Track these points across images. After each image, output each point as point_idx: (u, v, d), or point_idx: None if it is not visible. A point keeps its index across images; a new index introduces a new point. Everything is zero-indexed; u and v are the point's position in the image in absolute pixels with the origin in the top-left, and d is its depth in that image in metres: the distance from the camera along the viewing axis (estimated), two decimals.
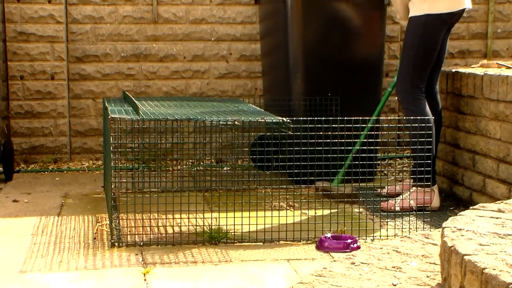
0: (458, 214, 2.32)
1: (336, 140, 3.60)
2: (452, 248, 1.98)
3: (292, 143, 3.95)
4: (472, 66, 4.79)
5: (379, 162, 5.38)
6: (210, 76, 5.73)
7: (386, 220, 3.97)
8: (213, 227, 3.64)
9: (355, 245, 3.46)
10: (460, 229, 2.12)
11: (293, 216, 3.99)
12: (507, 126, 3.85)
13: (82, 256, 3.37)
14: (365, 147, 3.82)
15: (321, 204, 4.01)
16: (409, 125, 3.92)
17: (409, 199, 4.14)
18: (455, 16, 4.17)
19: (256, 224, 3.63)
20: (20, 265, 3.24)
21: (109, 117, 3.52)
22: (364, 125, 4.02)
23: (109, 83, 5.62)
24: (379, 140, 5.03)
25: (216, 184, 4.73)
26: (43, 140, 5.57)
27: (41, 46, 5.50)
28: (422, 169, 3.84)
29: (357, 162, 4.10)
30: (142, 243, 3.53)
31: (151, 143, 5.14)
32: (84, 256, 3.37)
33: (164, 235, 3.65)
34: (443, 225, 2.19)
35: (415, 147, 3.83)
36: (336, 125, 3.61)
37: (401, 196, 4.22)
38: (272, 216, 3.58)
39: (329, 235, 3.52)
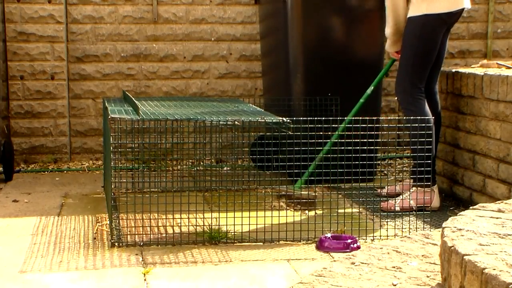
0: (458, 214, 2.32)
1: (336, 140, 3.60)
2: (452, 248, 1.98)
3: (292, 143, 3.95)
4: (472, 66, 4.79)
5: (379, 162, 5.39)
6: (210, 76, 5.73)
7: (386, 220, 3.97)
8: (213, 227, 3.64)
9: (355, 245, 3.46)
10: (460, 229, 2.12)
11: (293, 216, 3.99)
12: (507, 126, 3.85)
13: (82, 256, 3.37)
14: (365, 147, 3.82)
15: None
16: (409, 125, 3.92)
17: (409, 199, 4.14)
18: (454, 16, 4.17)
19: (256, 224, 3.63)
20: (20, 265, 3.24)
21: (109, 117, 3.52)
22: (343, 125, 4.03)
23: (109, 83, 5.62)
24: (379, 140, 5.03)
25: (216, 184, 4.73)
26: (43, 140, 5.57)
27: (41, 46, 5.50)
28: (422, 169, 3.84)
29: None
30: (142, 243, 3.53)
31: (151, 143, 5.14)
32: (84, 256, 3.37)
33: (164, 235, 3.65)
34: (443, 225, 2.19)
35: (415, 147, 3.83)
36: (336, 125, 3.61)
37: (401, 196, 4.22)
38: (272, 216, 3.58)
39: (329, 235, 3.52)
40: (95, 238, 3.66)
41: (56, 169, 5.41)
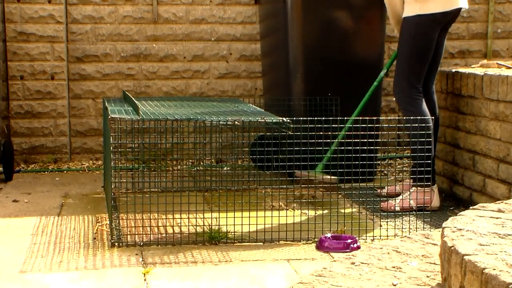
0: (458, 214, 2.32)
1: (336, 140, 3.60)
2: (452, 248, 1.98)
3: (292, 143, 3.95)
4: (472, 66, 4.79)
5: (379, 162, 5.38)
6: (210, 76, 5.73)
7: (386, 220, 3.97)
8: (213, 227, 3.63)
9: (355, 245, 3.46)
10: (460, 229, 2.12)
11: (293, 216, 3.99)
12: (507, 126, 3.85)
13: (82, 256, 3.37)
14: (365, 147, 3.82)
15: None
16: (408, 125, 3.92)
17: (409, 199, 4.14)
18: (449, 16, 4.17)
19: (256, 224, 3.63)
20: (20, 265, 3.24)
21: (109, 117, 3.52)
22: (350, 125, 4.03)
23: (109, 83, 5.62)
24: (379, 140, 5.03)
25: (216, 184, 4.73)
26: (43, 140, 5.57)
27: (41, 46, 5.50)
28: (422, 169, 3.84)
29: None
30: (142, 243, 3.53)
31: (151, 143, 5.14)
32: (84, 256, 3.37)
33: (164, 235, 3.65)
34: (443, 225, 2.19)
35: (415, 147, 3.83)
36: (336, 125, 3.61)
37: (401, 196, 4.22)
38: (272, 216, 3.58)
39: (329, 235, 3.52)
40: (95, 238, 3.66)
41: (56, 169, 5.41)
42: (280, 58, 5.02)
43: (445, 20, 4.18)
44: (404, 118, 4.22)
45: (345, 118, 4.12)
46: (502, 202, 2.47)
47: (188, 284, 2.99)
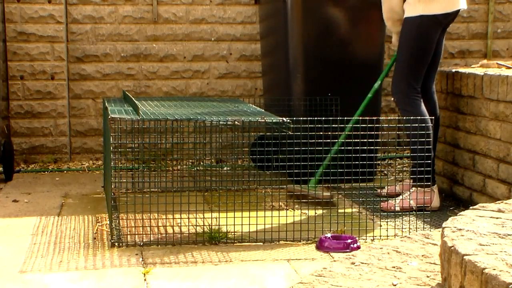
0: (458, 214, 2.32)
1: (336, 140, 3.60)
2: (452, 248, 1.98)
3: (292, 143, 3.95)
4: (472, 66, 4.79)
5: (379, 162, 5.38)
6: (210, 76, 5.73)
7: (386, 220, 3.97)
8: (213, 227, 3.63)
9: (355, 245, 3.46)
10: (460, 229, 2.12)
11: (293, 216, 3.99)
12: (507, 126, 3.85)
13: (82, 256, 3.37)
14: (365, 147, 3.82)
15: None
16: (408, 125, 3.92)
17: (409, 199, 4.14)
18: (450, 17, 4.18)
19: (256, 224, 3.63)
20: (20, 265, 3.24)
21: (109, 117, 3.52)
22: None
23: (109, 83, 5.62)
24: (379, 140, 5.03)
25: (216, 184, 4.73)
26: (43, 140, 5.57)
27: (41, 46, 5.50)
28: (422, 169, 3.84)
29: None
30: (142, 243, 3.53)
31: (151, 143, 5.14)
32: (84, 256, 3.37)
33: (164, 235, 3.65)
34: (443, 225, 2.19)
35: (414, 147, 3.82)
36: (336, 125, 3.61)
37: (401, 196, 4.22)
38: (272, 216, 3.58)
39: (329, 235, 3.52)
40: (95, 238, 3.66)
41: (56, 169, 5.41)
42: (280, 58, 5.02)
43: (446, 21, 4.18)
44: (404, 118, 4.22)
45: (344, 125, 4.08)
46: (502, 202, 2.47)
47: (188, 284, 2.99)
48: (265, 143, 4.67)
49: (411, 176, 4.29)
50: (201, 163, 5.46)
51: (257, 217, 3.57)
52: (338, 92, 4.79)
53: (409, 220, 3.93)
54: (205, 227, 3.72)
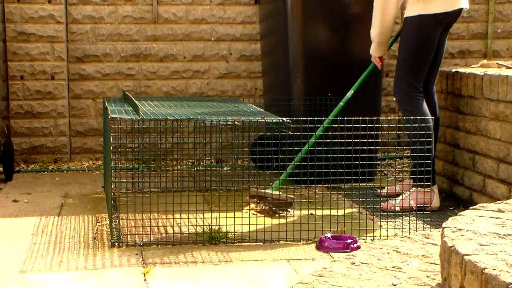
0: (458, 214, 2.32)
1: (336, 140, 3.60)
2: (452, 248, 1.98)
3: (292, 143, 3.95)
4: (472, 66, 4.79)
5: (379, 162, 5.38)
6: (210, 76, 5.73)
7: (386, 220, 3.97)
8: (213, 227, 3.63)
9: (355, 245, 3.46)
10: (460, 229, 2.12)
11: (293, 216, 3.99)
12: (507, 126, 3.85)
13: (82, 256, 3.37)
14: (365, 147, 3.82)
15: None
16: (408, 125, 3.92)
17: (409, 199, 4.14)
18: (450, 16, 4.17)
19: (256, 224, 3.63)
20: (20, 265, 3.24)
21: (109, 117, 3.52)
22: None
23: (109, 83, 5.62)
24: (379, 140, 5.03)
25: (216, 184, 4.73)
26: (43, 140, 5.57)
27: (41, 46, 5.50)
28: (422, 169, 3.84)
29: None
30: (142, 243, 3.53)
31: (151, 143, 5.14)
32: (84, 256, 3.37)
33: (164, 235, 3.65)
34: (443, 225, 2.19)
35: (415, 147, 3.82)
36: (336, 125, 3.61)
37: (401, 196, 4.22)
38: (272, 216, 3.58)
39: (329, 235, 3.52)
40: (95, 238, 3.66)
41: (56, 169, 5.41)
42: (280, 58, 5.02)
43: (446, 20, 4.18)
44: (404, 118, 4.21)
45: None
46: (502, 202, 2.47)
47: (188, 284, 2.99)
48: (265, 143, 4.67)
49: (411, 176, 4.29)
50: (201, 163, 5.46)
51: (257, 217, 3.58)
52: (338, 92, 4.78)
53: (409, 220, 3.93)
54: (205, 227, 3.72)
